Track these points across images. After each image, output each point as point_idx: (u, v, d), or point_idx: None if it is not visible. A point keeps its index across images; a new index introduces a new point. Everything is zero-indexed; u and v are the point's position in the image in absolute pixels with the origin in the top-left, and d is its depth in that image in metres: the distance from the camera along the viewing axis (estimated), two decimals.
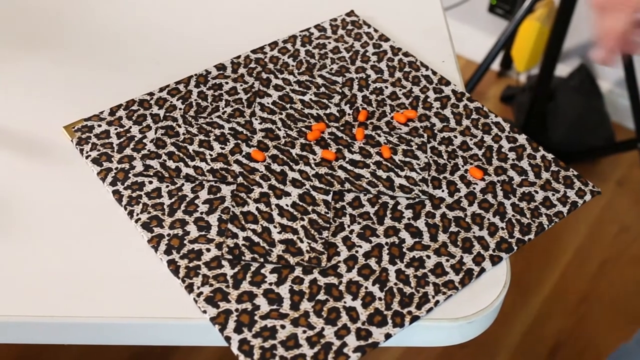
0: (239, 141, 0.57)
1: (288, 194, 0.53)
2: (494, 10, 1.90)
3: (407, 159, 0.57)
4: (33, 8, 0.70)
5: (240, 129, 0.58)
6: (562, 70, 1.91)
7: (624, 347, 1.00)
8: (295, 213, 0.52)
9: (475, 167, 0.56)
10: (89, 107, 0.60)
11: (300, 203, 0.53)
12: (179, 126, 0.58)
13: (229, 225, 0.51)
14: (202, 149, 0.56)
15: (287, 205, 0.53)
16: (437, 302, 0.48)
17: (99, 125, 0.58)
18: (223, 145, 0.56)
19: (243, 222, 0.51)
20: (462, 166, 0.57)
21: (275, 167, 0.55)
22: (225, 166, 0.55)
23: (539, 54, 1.58)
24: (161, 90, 0.61)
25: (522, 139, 0.60)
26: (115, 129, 0.58)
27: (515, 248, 0.52)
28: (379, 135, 0.58)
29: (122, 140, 0.57)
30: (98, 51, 0.66)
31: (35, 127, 0.58)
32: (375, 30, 0.69)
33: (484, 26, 1.86)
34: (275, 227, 0.51)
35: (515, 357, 1.22)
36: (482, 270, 0.50)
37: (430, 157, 0.57)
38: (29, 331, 0.46)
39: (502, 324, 1.27)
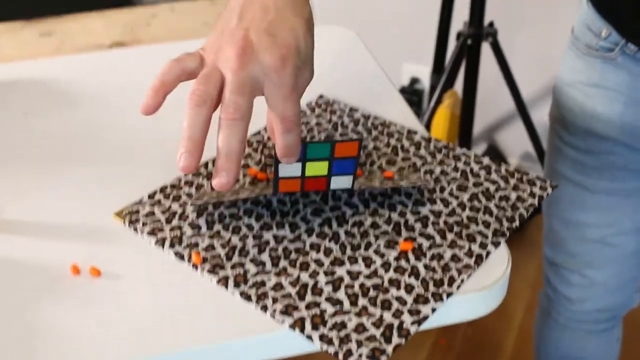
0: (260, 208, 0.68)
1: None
2: None
3: (400, 188, 0.70)
4: (71, 125, 0.81)
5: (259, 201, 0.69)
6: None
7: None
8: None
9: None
10: (127, 198, 0.70)
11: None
12: (212, 198, 0.69)
13: (282, 261, 0.61)
14: (234, 210, 0.67)
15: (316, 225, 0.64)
16: (462, 280, 0.59)
17: (143, 208, 0.68)
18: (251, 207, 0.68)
19: (293, 257, 0.62)
20: (445, 189, 0.70)
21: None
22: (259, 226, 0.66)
23: (454, 138, 1.77)
24: (186, 175, 0.72)
25: (486, 160, 0.74)
26: (158, 207, 0.68)
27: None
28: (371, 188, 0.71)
29: (167, 215, 0.67)
30: (123, 153, 0.77)
31: (88, 218, 0.68)
32: (345, 105, 0.83)
33: (410, 124, 2.06)
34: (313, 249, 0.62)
35: None
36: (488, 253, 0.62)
37: (421, 177, 0.71)
38: None
39: None
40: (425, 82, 2.10)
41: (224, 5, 0.64)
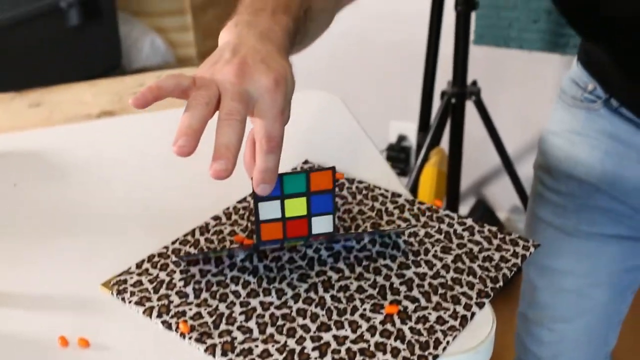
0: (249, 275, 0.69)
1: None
2: None
3: (385, 246, 0.71)
4: (51, 200, 0.82)
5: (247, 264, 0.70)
6: (463, 209, 2.13)
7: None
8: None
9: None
10: (116, 268, 0.71)
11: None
12: (198, 263, 0.70)
13: (269, 328, 0.62)
14: (222, 277, 0.68)
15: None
16: (447, 342, 0.60)
17: (131, 278, 0.69)
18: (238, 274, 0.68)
19: (280, 323, 0.62)
20: (429, 251, 0.71)
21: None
22: (249, 294, 0.67)
23: (442, 194, 1.79)
24: (173, 243, 0.73)
25: (469, 221, 0.75)
26: (146, 277, 0.69)
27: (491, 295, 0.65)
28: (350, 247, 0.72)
29: (154, 284, 0.68)
30: (112, 223, 0.78)
31: (77, 289, 0.68)
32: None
33: (394, 187, 2.08)
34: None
35: None
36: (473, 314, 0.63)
37: (405, 240, 0.72)
38: None
39: None
40: (413, 140, 2.12)
41: None
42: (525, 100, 2.00)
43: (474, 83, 1.76)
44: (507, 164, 1.82)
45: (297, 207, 0.65)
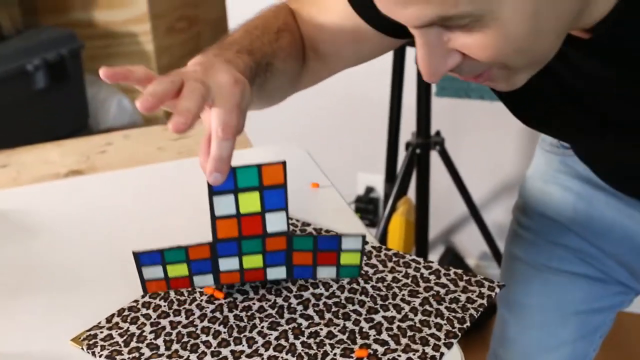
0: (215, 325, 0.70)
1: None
2: None
3: (354, 296, 0.72)
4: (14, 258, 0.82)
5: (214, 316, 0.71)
6: (432, 257, 2.15)
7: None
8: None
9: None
10: (86, 323, 0.71)
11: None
12: (169, 315, 0.70)
13: None
14: (193, 329, 0.68)
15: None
16: None
17: (101, 332, 0.69)
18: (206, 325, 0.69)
19: None
20: (397, 295, 0.72)
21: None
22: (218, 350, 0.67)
23: (411, 244, 1.80)
24: (143, 296, 0.73)
25: (435, 265, 0.77)
26: (116, 331, 0.69)
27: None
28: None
29: (125, 337, 0.68)
30: (81, 279, 0.78)
31: (48, 346, 0.68)
32: (298, 220, 0.86)
33: None
34: None
35: None
36: None
37: (373, 286, 0.73)
38: None
39: None
40: (381, 191, 2.15)
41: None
42: (489, 148, 2.05)
43: (438, 133, 1.80)
44: (474, 212, 1.84)
45: (250, 202, 0.67)
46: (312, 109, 2.17)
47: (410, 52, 1.77)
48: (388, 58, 1.81)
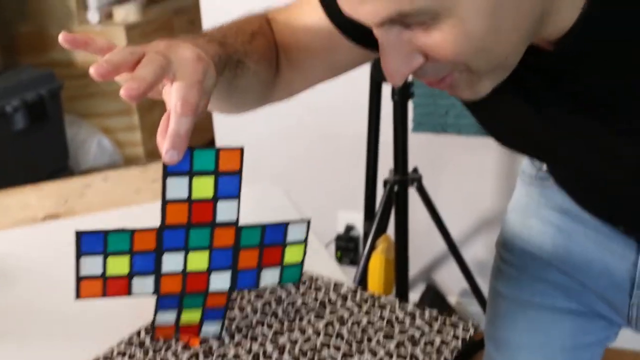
0: None
1: None
2: (341, 261, 2.15)
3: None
4: None
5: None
6: (413, 296, 2.15)
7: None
8: None
9: None
10: None
11: None
12: None
13: None
14: None
15: None
16: None
17: None
18: None
19: None
20: (372, 338, 0.73)
21: None
22: None
23: (391, 282, 1.81)
24: (119, 344, 0.73)
25: (410, 307, 0.78)
26: None
27: None
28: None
29: None
30: (59, 325, 0.78)
31: None
32: None
33: (337, 277, 2.10)
34: None
35: None
36: None
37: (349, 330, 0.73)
38: None
39: None
40: (360, 229, 2.16)
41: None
42: (466, 183, 2.07)
43: (415, 170, 1.81)
44: (453, 249, 1.85)
45: (204, 187, 0.64)
46: (292, 148, 2.18)
47: (386, 88, 1.79)
48: (364, 94, 1.83)
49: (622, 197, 0.84)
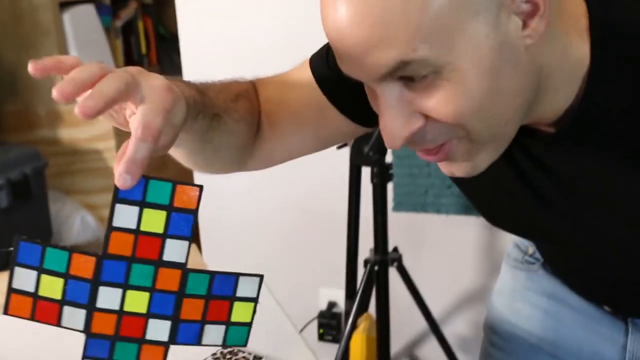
0: None
1: None
2: (323, 338, 2.15)
3: None
4: None
5: None
6: None
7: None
8: None
9: None
10: None
11: None
12: None
13: None
14: None
15: None
16: None
17: None
18: None
19: None
20: None
21: None
22: None
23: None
24: None
25: None
26: None
27: None
28: None
29: None
30: None
31: None
32: (250, 353, 0.88)
33: (318, 353, 2.09)
34: None
35: None
36: None
37: None
38: None
39: None
40: (343, 305, 2.16)
41: None
42: (447, 262, 2.08)
43: (395, 249, 1.83)
44: (434, 327, 1.86)
45: (154, 221, 0.60)
46: (273, 225, 2.20)
47: (365, 171, 1.82)
48: (345, 174, 1.86)
49: (614, 278, 0.84)
